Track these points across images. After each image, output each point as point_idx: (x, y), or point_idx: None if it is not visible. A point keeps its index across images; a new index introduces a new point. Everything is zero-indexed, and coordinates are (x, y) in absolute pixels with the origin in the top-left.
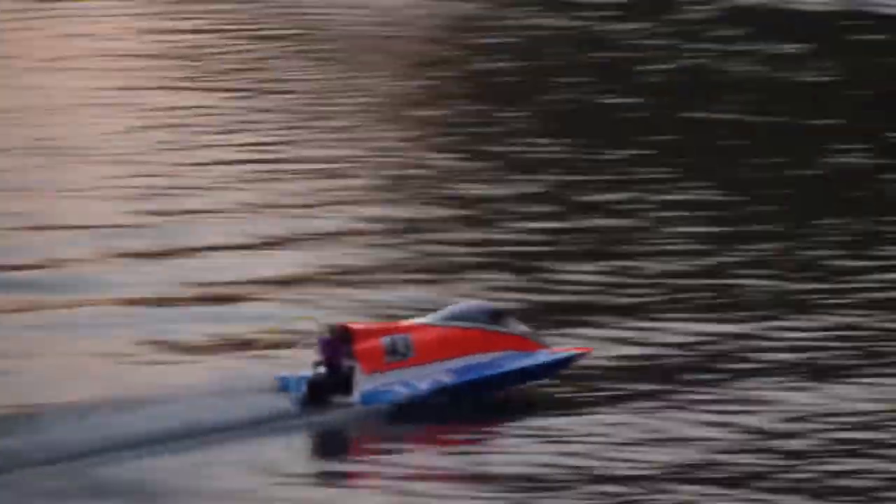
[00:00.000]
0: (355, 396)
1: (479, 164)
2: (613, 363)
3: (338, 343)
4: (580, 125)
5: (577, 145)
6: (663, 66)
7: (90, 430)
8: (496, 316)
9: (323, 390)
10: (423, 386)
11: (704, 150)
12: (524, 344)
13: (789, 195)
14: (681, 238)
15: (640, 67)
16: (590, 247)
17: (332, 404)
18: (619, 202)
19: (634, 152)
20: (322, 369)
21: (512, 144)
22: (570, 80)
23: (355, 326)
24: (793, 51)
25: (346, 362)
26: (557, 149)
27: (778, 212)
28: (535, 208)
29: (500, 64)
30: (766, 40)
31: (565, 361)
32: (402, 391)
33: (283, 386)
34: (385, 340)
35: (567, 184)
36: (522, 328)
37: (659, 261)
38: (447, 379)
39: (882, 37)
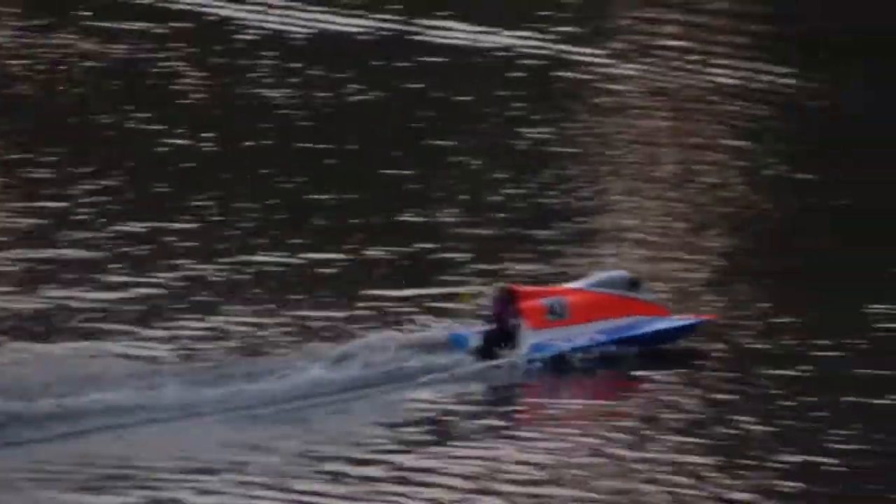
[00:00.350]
0: (523, 350)
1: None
2: None
3: (505, 303)
4: (113, 155)
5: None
6: (204, 94)
7: None
8: (633, 284)
9: (493, 344)
10: (580, 342)
11: (247, 175)
12: (657, 310)
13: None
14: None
15: (180, 94)
16: None
17: (502, 356)
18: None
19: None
20: (492, 326)
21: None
22: (107, 108)
23: (521, 288)
24: (335, 75)
25: (512, 320)
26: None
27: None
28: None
29: (33, 90)
30: (308, 65)
31: (692, 327)
32: (562, 346)
33: (456, 341)
34: (545, 301)
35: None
36: (654, 296)
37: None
38: (600, 337)
39: (421, 62)
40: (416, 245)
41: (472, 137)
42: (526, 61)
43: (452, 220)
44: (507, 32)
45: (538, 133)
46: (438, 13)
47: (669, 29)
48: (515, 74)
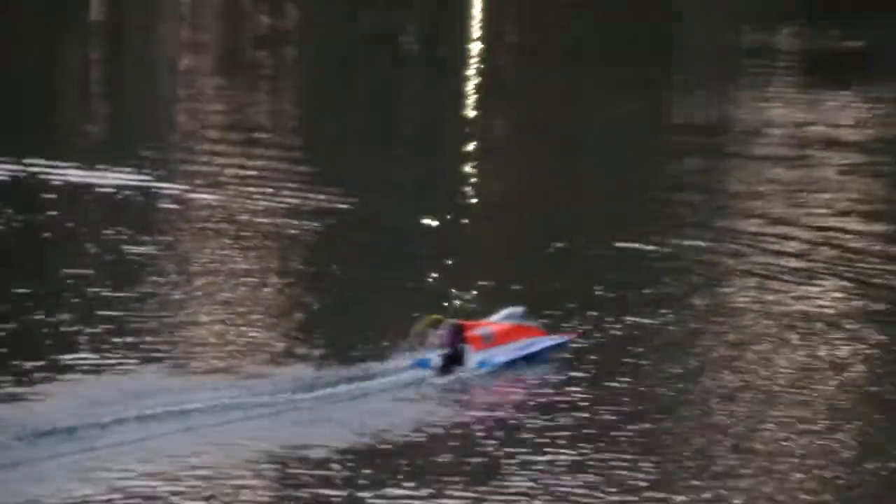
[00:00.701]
0: (471, 365)
1: None
2: None
3: (456, 333)
4: None
5: None
6: None
7: None
8: (526, 315)
9: (449, 364)
10: (505, 358)
11: None
12: (540, 332)
13: None
14: None
15: None
16: None
17: (455, 372)
18: None
19: None
20: (446, 351)
21: None
22: None
23: (465, 323)
24: None
25: (461, 345)
26: None
27: None
28: None
29: None
30: None
31: (566, 342)
32: (495, 360)
33: (421, 364)
34: (481, 331)
35: None
36: (537, 322)
37: None
38: (517, 353)
39: (39, 198)
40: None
41: (86, 258)
42: (127, 193)
43: (71, 320)
44: (111, 170)
45: (139, 254)
46: (53, 156)
47: (244, 161)
48: (117, 204)
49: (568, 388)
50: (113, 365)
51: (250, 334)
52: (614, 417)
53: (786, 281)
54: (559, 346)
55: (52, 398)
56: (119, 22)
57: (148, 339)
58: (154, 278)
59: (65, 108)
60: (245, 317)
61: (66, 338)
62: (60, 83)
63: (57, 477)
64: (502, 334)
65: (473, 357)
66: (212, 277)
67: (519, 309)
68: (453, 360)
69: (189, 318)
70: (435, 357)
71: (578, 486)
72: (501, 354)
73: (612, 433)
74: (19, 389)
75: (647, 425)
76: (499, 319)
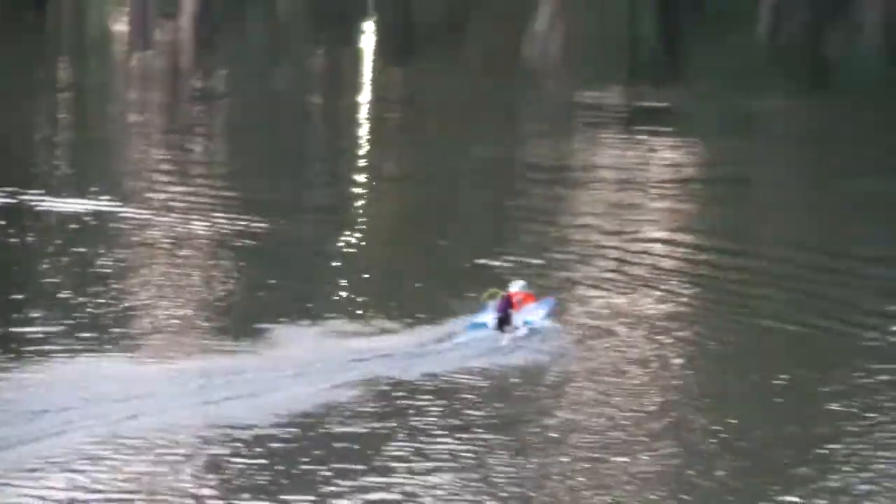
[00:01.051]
0: (518, 324)
1: None
2: None
3: (506, 301)
4: None
5: None
6: None
7: None
8: (528, 286)
9: (501, 325)
10: (535, 317)
11: None
12: (534, 298)
13: None
14: None
15: None
16: None
17: (506, 331)
18: None
19: None
20: (498, 314)
21: None
22: None
23: (511, 294)
24: None
25: (509, 311)
26: None
27: None
28: None
29: None
30: None
31: (555, 305)
32: (528, 321)
33: (478, 326)
34: (516, 299)
35: None
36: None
37: None
38: (539, 312)
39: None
40: None
41: (59, 269)
42: (91, 216)
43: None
44: (79, 198)
45: (102, 264)
46: (31, 188)
47: (186, 189)
48: (79, 226)
49: (425, 388)
50: (81, 352)
51: (211, 327)
52: (477, 409)
53: (621, 284)
54: (554, 308)
55: (28, 383)
56: (82, 83)
57: (111, 332)
58: (114, 284)
59: (40, 152)
60: (200, 313)
61: (42, 333)
62: (35, 131)
63: (49, 450)
64: (523, 300)
65: (517, 319)
66: (164, 282)
67: (524, 282)
68: (504, 322)
69: (152, 314)
70: (490, 320)
71: (444, 482)
72: (531, 316)
73: (472, 418)
74: (4, 377)
75: (503, 414)
76: (517, 290)
